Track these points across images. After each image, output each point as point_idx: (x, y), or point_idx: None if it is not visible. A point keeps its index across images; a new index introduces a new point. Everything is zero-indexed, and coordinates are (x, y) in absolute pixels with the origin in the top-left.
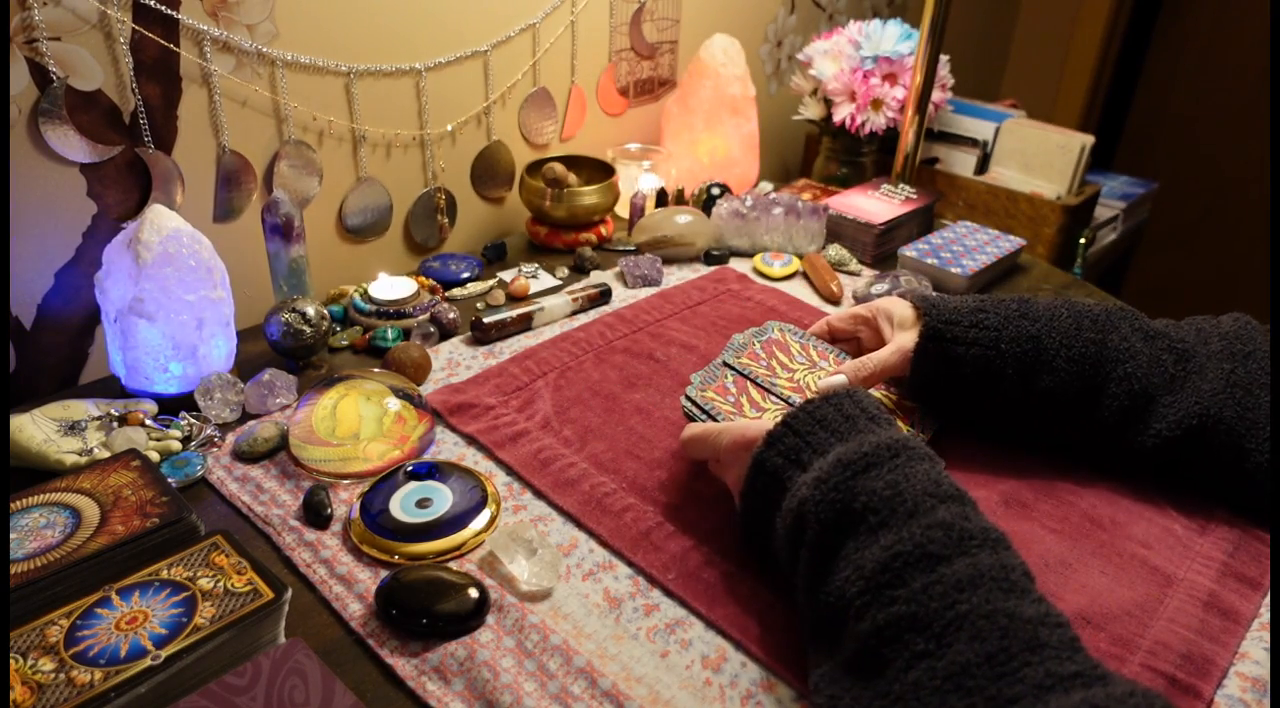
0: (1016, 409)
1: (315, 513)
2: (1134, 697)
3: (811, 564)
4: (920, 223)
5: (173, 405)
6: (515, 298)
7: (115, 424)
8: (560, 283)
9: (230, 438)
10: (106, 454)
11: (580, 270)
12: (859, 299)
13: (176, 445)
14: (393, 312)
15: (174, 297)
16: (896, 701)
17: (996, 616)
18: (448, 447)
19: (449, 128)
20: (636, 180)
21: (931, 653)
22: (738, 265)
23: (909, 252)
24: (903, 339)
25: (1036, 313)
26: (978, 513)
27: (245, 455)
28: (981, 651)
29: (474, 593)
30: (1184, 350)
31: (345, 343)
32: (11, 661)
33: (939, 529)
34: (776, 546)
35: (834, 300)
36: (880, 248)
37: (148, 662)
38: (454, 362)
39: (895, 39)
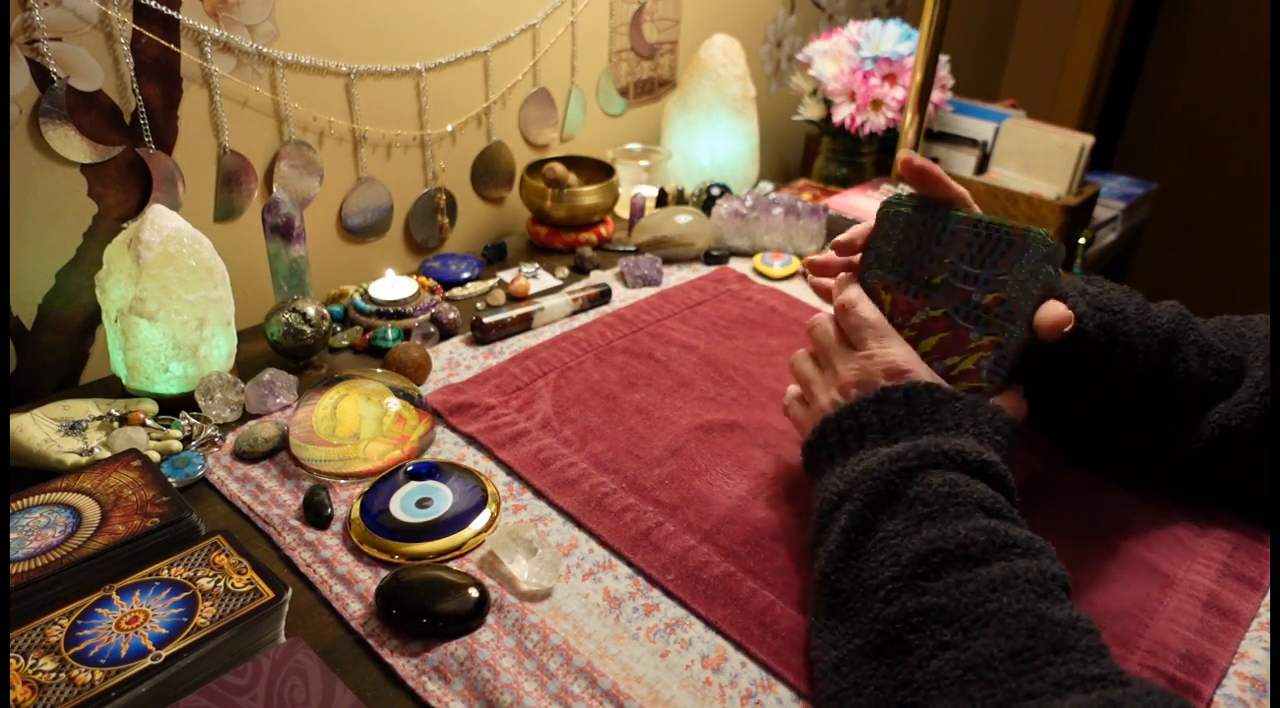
0: (1088, 410)
1: (315, 513)
2: (1150, 696)
3: (845, 534)
4: None
5: (173, 405)
6: (515, 298)
7: (115, 424)
8: (560, 283)
9: (230, 438)
10: (107, 454)
11: (580, 270)
12: None
13: (177, 445)
14: (393, 312)
15: (174, 296)
16: (918, 690)
17: (1025, 615)
18: (448, 447)
19: (449, 128)
20: (635, 180)
21: (956, 644)
22: (738, 265)
23: None
24: None
25: (1139, 322)
26: (1024, 529)
27: (245, 455)
28: (1006, 647)
29: (474, 593)
30: (1230, 372)
31: (345, 343)
32: (12, 660)
33: (982, 532)
34: (817, 497)
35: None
36: None
37: (148, 661)
38: (454, 362)
39: (895, 39)
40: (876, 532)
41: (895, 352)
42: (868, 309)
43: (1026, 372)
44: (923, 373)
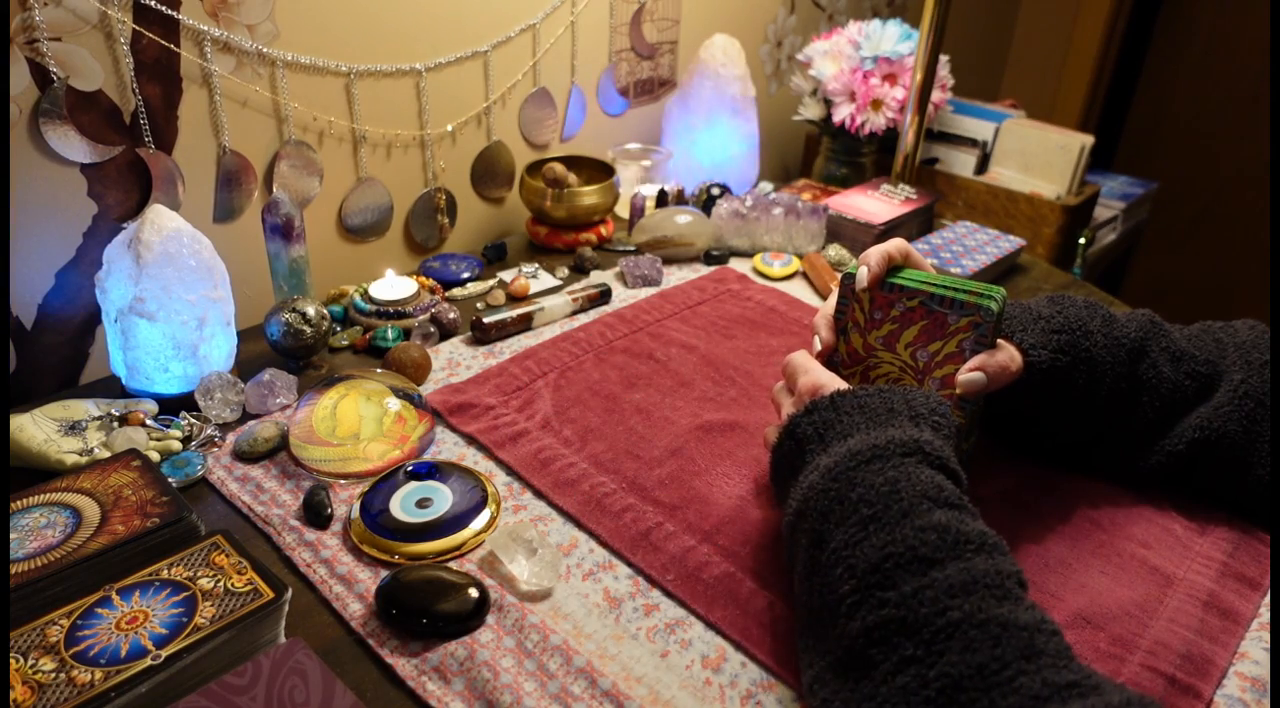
0: (1058, 427)
1: (315, 513)
2: (1130, 706)
3: (808, 553)
4: (920, 223)
5: (173, 405)
6: (515, 298)
7: (115, 424)
8: (560, 283)
9: (230, 438)
10: (107, 454)
11: (580, 270)
12: None
13: (177, 445)
14: (393, 312)
15: (174, 297)
16: (883, 703)
17: (989, 625)
18: (448, 447)
19: (449, 128)
20: (636, 180)
21: (920, 659)
22: (738, 265)
23: None
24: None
25: (1104, 335)
26: (977, 520)
27: (245, 455)
28: (974, 662)
29: (474, 593)
30: (1206, 375)
31: (345, 343)
32: (12, 660)
33: (933, 531)
34: (784, 525)
35: None
36: None
37: (148, 662)
38: (454, 362)
39: (895, 39)
40: (829, 544)
41: (816, 375)
42: (797, 355)
43: (995, 400)
44: (842, 385)
